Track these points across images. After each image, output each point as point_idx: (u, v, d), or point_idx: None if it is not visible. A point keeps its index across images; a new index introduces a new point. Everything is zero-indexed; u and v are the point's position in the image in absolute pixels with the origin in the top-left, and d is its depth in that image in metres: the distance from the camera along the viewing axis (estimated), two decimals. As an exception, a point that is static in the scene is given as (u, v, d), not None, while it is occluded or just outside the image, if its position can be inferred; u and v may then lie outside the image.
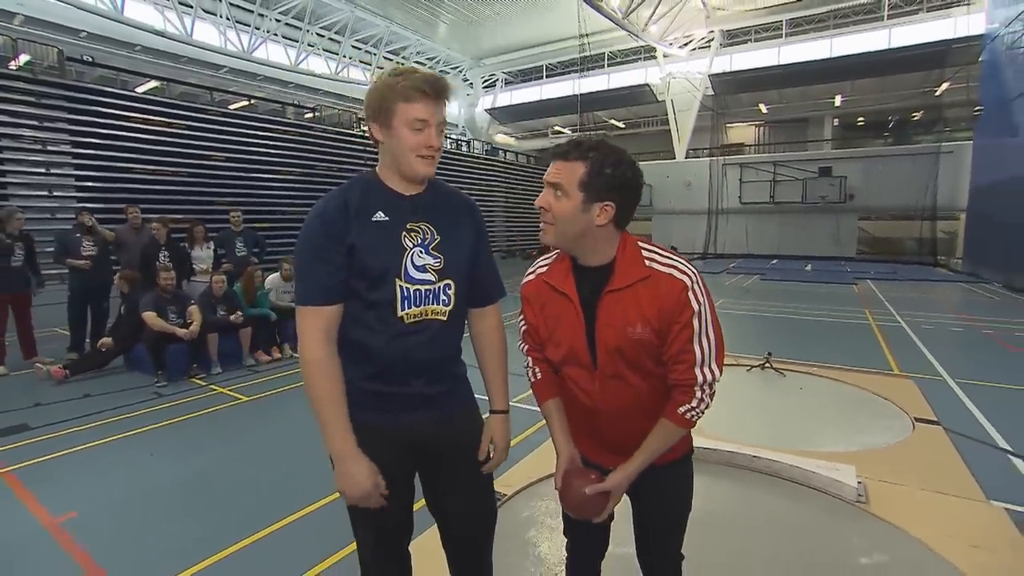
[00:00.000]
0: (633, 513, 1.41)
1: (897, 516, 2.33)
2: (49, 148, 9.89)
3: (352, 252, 1.21)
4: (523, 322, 1.37)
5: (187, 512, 2.66)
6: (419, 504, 1.43)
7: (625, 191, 1.16)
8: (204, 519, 2.58)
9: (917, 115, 23.61)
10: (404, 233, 1.26)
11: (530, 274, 1.35)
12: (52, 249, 5.42)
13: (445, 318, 1.30)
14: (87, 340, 5.55)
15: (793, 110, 24.61)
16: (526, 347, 1.38)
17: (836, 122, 25.31)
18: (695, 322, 1.13)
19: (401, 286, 1.24)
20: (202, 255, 6.11)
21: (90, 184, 10.23)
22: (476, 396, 1.44)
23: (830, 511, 2.45)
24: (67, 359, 5.13)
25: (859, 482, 2.53)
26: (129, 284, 5.36)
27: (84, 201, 10.04)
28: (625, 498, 1.39)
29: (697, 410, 1.18)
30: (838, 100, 22.86)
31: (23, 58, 10.25)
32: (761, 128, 27.49)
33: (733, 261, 20.44)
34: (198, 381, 4.89)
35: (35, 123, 9.72)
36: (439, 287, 1.29)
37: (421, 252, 1.27)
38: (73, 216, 5.72)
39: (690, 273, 1.15)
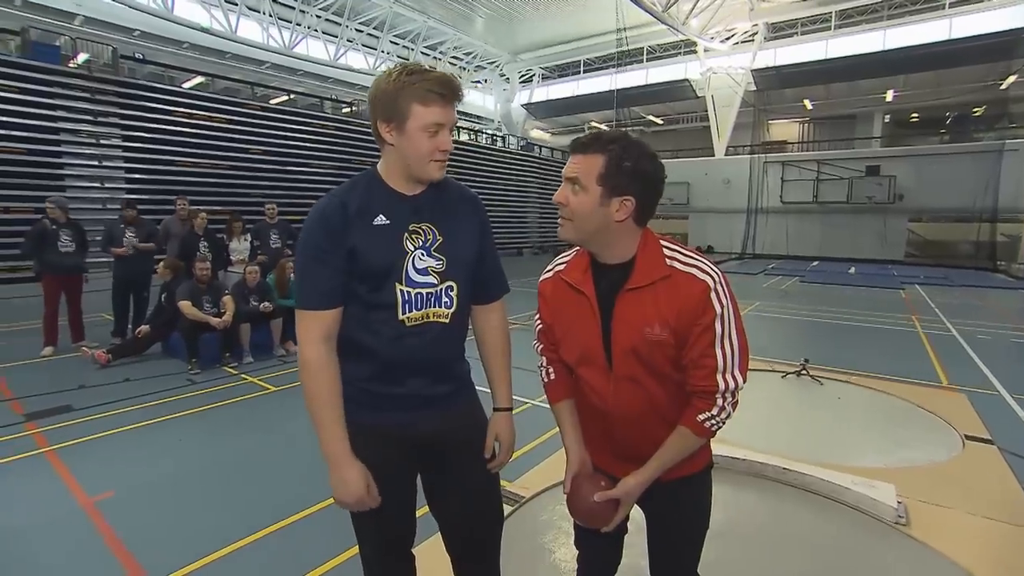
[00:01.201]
0: (647, 528, 1.34)
1: (940, 541, 2.18)
2: (102, 142, 10.38)
3: (352, 255, 1.18)
4: (539, 320, 1.33)
5: (214, 498, 2.73)
6: (424, 510, 1.40)
7: (646, 185, 1.11)
8: (230, 505, 2.65)
9: (979, 110, 22.20)
10: (406, 236, 1.23)
11: (548, 271, 1.31)
12: (100, 238, 5.67)
13: (447, 320, 1.27)
14: (129, 327, 5.80)
15: (840, 106, 23.53)
16: (541, 346, 1.34)
17: (887, 118, 24.06)
18: (717, 325, 1.08)
19: (402, 290, 1.21)
20: (239, 247, 6.30)
21: (137, 176, 10.71)
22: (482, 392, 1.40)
23: (865, 530, 2.30)
24: (111, 344, 5.37)
25: (899, 501, 2.37)
26: (172, 273, 5.57)
27: (132, 192, 10.54)
28: (640, 511, 1.33)
29: (718, 419, 1.12)
30: (890, 95, 21.69)
31: (81, 57, 10.79)
32: (805, 125, 26.43)
33: (772, 262, 19.77)
34: (230, 369, 5.03)
35: (90, 118, 10.22)
36: (441, 289, 1.26)
37: (423, 255, 1.24)
38: (120, 207, 5.96)
39: (713, 274, 1.10)
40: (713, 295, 1.08)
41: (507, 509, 2.46)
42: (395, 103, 1.15)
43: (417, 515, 1.41)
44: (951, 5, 18.39)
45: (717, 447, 2.86)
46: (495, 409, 1.40)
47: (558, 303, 1.26)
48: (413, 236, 1.23)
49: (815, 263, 19.69)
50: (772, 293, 11.45)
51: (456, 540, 1.44)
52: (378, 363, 1.24)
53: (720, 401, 1.10)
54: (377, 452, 1.24)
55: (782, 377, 4.57)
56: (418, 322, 1.23)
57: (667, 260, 1.12)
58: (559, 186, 1.17)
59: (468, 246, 1.31)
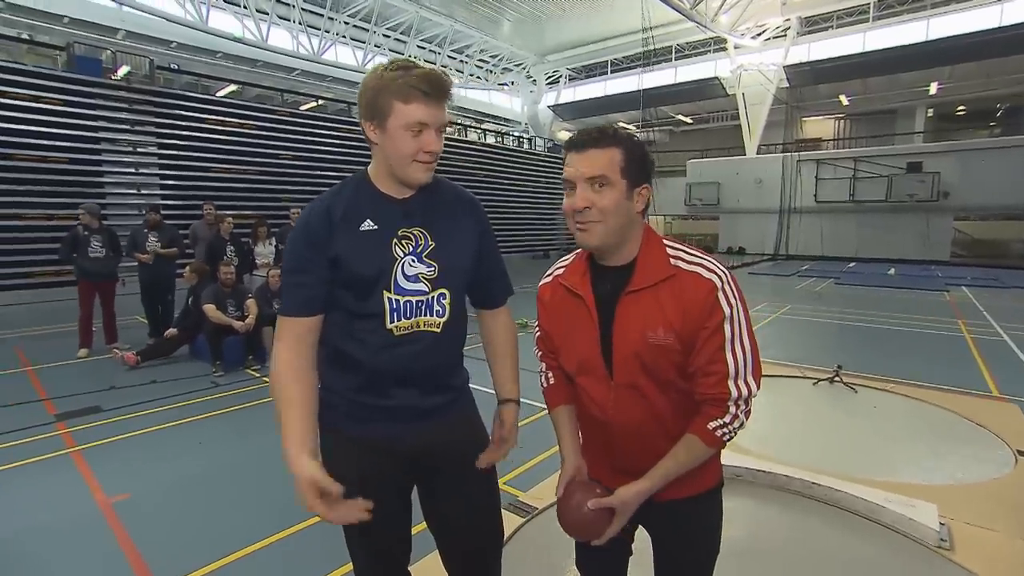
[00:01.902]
0: (653, 551, 1.25)
1: (987, 568, 1.99)
2: (139, 150, 10.79)
3: (336, 263, 1.13)
4: (538, 327, 1.26)
5: (229, 501, 2.74)
6: (421, 526, 1.34)
7: (652, 172, 1.09)
8: (244, 509, 2.65)
9: (1032, 102, 20.98)
10: (395, 241, 1.16)
11: (547, 276, 1.24)
12: (125, 243, 5.83)
13: (439, 330, 1.20)
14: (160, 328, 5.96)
15: (879, 101, 22.59)
16: (540, 353, 1.28)
17: (930, 112, 22.97)
18: (726, 327, 1.01)
19: (390, 298, 1.15)
20: (264, 251, 6.42)
21: (171, 182, 11.08)
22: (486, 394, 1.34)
23: (903, 554, 2.13)
24: (147, 344, 5.52)
25: (941, 523, 2.19)
26: (198, 276, 5.69)
27: (166, 198, 10.92)
28: (645, 532, 1.24)
29: (730, 427, 1.04)
30: (934, 88, 20.66)
31: (123, 70, 11.25)
32: (841, 121, 25.51)
33: (806, 263, 19.10)
34: (253, 372, 5.10)
35: (127, 127, 10.63)
36: (432, 297, 1.19)
37: (413, 261, 1.17)
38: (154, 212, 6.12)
39: (720, 273, 1.03)
40: (721, 295, 1.01)
41: (519, 520, 2.38)
42: (376, 100, 1.09)
43: (414, 532, 1.35)
44: (1001, -9, 17.40)
45: (740, 459, 2.73)
46: (500, 401, 1.33)
47: (556, 308, 1.19)
48: (403, 241, 1.17)
49: (851, 264, 18.93)
50: (805, 295, 11.03)
51: (455, 558, 1.37)
52: (365, 374, 1.18)
53: (733, 408, 1.03)
54: (366, 464, 1.19)
55: (813, 384, 4.35)
56: (407, 331, 1.17)
57: (671, 260, 1.06)
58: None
59: (463, 252, 1.25)
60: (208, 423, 3.83)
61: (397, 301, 1.16)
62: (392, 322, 1.16)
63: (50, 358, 5.41)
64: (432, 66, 1.11)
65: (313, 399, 1.14)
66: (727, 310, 1.01)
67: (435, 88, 1.09)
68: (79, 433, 3.57)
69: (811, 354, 5.64)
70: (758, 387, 1.04)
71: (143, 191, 10.75)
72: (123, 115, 10.62)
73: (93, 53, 11.21)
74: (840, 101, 22.80)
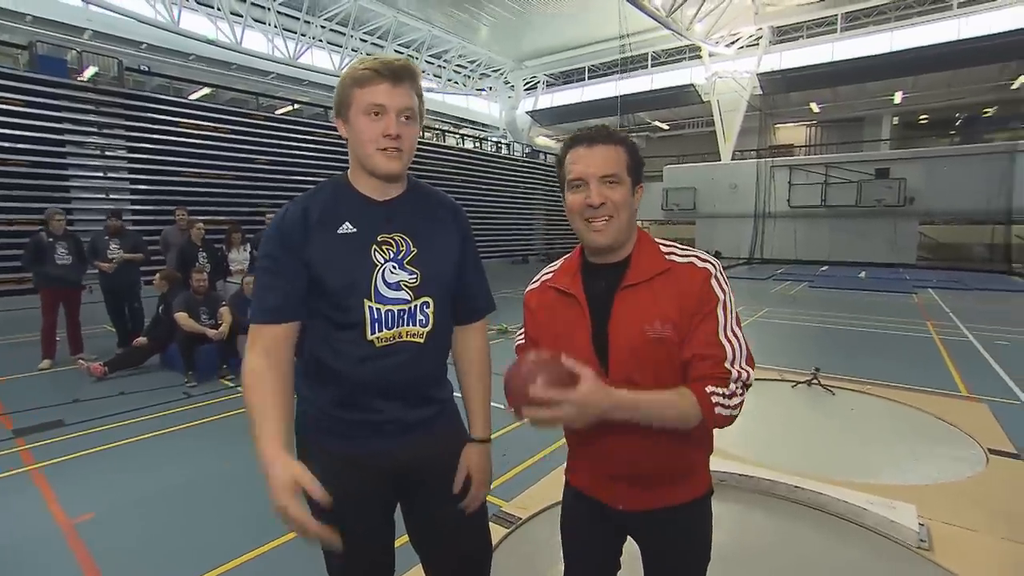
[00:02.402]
0: (643, 561, 1.22)
1: (967, 567, 2.02)
2: (107, 154, 10.44)
3: (312, 268, 1.07)
4: (522, 334, 1.22)
5: (199, 519, 2.62)
6: (403, 539, 1.29)
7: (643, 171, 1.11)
8: (216, 527, 2.54)
9: (989, 111, 21.88)
10: (375, 246, 1.11)
11: (534, 282, 1.21)
12: (87, 251, 5.61)
13: (422, 340, 1.15)
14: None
15: (848, 109, 23.29)
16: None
17: (896, 120, 23.77)
18: (720, 312, 1.02)
19: (370, 307, 1.10)
20: (238, 257, 6.25)
21: (142, 187, 10.75)
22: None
23: (884, 555, 2.15)
24: (115, 354, 5.31)
25: (921, 524, 2.22)
26: (169, 284, 5.51)
27: (137, 203, 10.58)
28: (634, 543, 1.21)
29: (729, 403, 0.98)
30: (898, 97, 21.43)
31: (90, 70, 10.89)
32: (812, 128, 26.19)
33: (780, 267, 19.50)
34: (227, 382, 4.94)
35: (95, 130, 10.29)
36: (415, 306, 1.14)
37: (394, 267, 1.12)
38: (130, 218, 5.91)
39: (712, 263, 1.07)
40: (714, 281, 1.03)
41: (502, 531, 2.33)
42: (341, 93, 1.09)
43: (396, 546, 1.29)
44: (960, 5, 18.15)
45: (724, 463, 2.73)
46: (469, 440, 1.27)
47: (544, 312, 1.16)
48: (383, 247, 1.12)
49: (824, 267, 19.40)
50: (781, 299, 11.24)
51: (443, 574, 1.32)
52: (345, 387, 1.13)
53: (732, 386, 0.99)
54: (348, 481, 1.13)
55: (792, 387, 4.40)
56: (389, 342, 1.12)
57: (665, 255, 1.08)
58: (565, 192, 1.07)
59: (446, 259, 1.20)
60: (180, 436, 3.68)
61: (378, 310, 1.10)
62: (373, 333, 1.11)
63: (9, 370, 5.16)
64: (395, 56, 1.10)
65: (288, 405, 1.08)
66: (721, 296, 1.02)
67: (390, 69, 1.06)
68: (39, 449, 3.39)
69: (789, 357, 5.73)
70: (752, 374, 1.02)
71: (112, 196, 10.39)
72: (90, 117, 10.26)
73: (57, 53, 10.83)
74: (811, 108, 23.43)
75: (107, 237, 5.61)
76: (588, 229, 1.06)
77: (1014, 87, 18.55)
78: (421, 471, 1.21)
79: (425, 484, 1.23)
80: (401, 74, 1.07)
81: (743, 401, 1.02)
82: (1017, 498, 2.58)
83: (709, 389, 0.98)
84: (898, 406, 4.00)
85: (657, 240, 1.12)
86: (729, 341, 1.00)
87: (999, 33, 17.00)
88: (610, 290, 1.07)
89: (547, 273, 1.20)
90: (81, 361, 5.20)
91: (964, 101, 20.99)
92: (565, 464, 1.27)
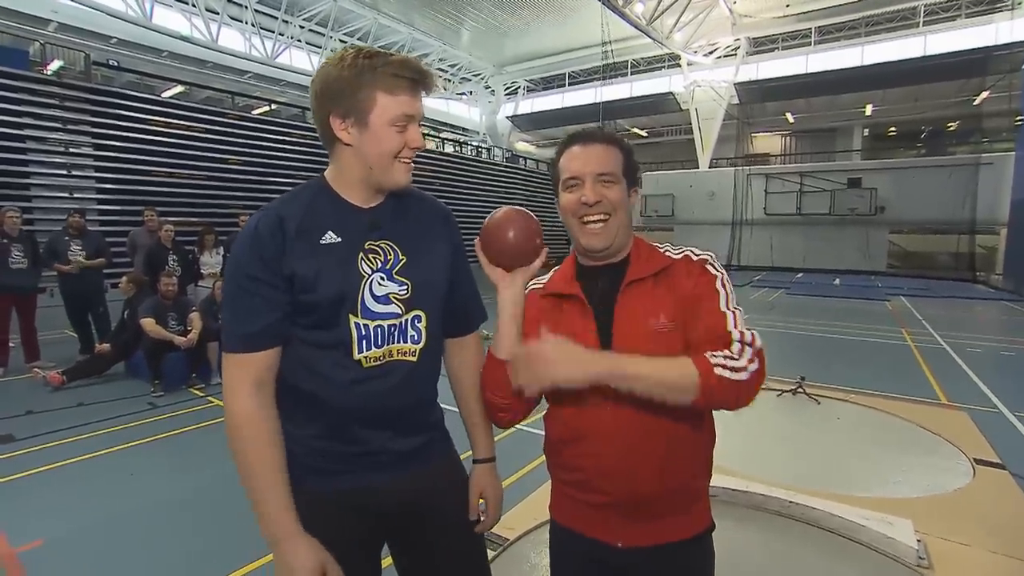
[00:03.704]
0: None
1: (966, 586, 1.98)
2: (72, 151, 10.00)
3: (293, 284, 0.94)
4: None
5: (164, 540, 2.43)
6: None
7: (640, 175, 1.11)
8: (184, 548, 2.36)
9: (953, 125, 22.73)
10: (361, 256, 0.99)
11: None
12: (44, 251, 5.30)
13: (415, 358, 1.03)
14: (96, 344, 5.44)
15: (821, 120, 23.95)
16: None
17: (866, 132, 24.54)
18: (720, 287, 1.00)
19: (357, 323, 0.98)
20: (211, 260, 6.01)
21: (109, 186, 10.33)
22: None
23: (884, 574, 2.10)
24: (76, 361, 5.02)
25: (918, 540, 2.17)
26: (136, 288, 5.24)
27: (104, 203, 10.16)
28: None
29: (732, 364, 0.88)
30: (869, 109, 22.15)
31: (55, 64, 10.45)
32: (788, 138, 26.83)
33: (757, 274, 19.84)
34: (196, 391, 4.71)
35: (59, 125, 9.85)
36: (406, 321, 1.02)
37: (382, 279, 1.00)
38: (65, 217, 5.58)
39: (708, 254, 1.07)
40: (710, 266, 1.04)
41: (489, 554, 2.21)
42: (355, 93, 0.93)
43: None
44: (925, 23, 18.85)
45: (716, 478, 2.66)
46: (476, 461, 1.18)
47: (537, 319, 1.08)
48: (370, 256, 1.00)
49: (799, 275, 19.80)
50: (759, 306, 11.38)
51: None
52: (329, 416, 1.00)
53: (736, 346, 0.91)
54: (329, 527, 0.99)
55: (777, 396, 4.38)
56: (378, 362, 1.00)
57: (664, 253, 1.07)
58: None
59: (438, 268, 1.09)
60: (143, 450, 3.46)
61: (366, 327, 0.98)
62: (360, 352, 0.98)
63: (-43, 380, 4.84)
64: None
65: (285, 459, 0.96)
66: (717, 274, 1.02)
67: (421, 75, 0.95)
68: (-14, 467, 3.14)
69: (772, 365, 5.66)
70: (758, 338, 0.95)
71: (76, 195, 9.95)
72: (53, 112, 9.82)
73: (19, 44, 10.37)
74: (787, 119, 24.02)
75: (67, 238, 5.30)
76: (583, 231, 1.03)
77: (976, 103, 19.29)
78: (418, 505, 1.09)
79: (422, 526, 1.11)
80: (429, 81, 0.97)
81: (759, 371, 0.91)
82: (1006, 510, 2.56)
83: (709, 353, 0.90)
84: (882, 415, 4.00)
85: (651, 242, 1.11)
86: (732, 311, 0.98)
87: (961, 51, 17.75)
88: (611, 288, 1.04)
89: (536, 284, 1.14)
90: (36, 370, 4.89)
91: (929, 115, 21.78)
92: (551, 495, 1.17)
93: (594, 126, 1.07)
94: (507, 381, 0.96)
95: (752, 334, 0.95)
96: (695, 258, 1.05)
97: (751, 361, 0.91)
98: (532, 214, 1.08)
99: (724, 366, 0.88)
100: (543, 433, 1.13)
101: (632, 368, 0.88)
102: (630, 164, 1.05)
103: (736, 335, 0.94)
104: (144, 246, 5.75)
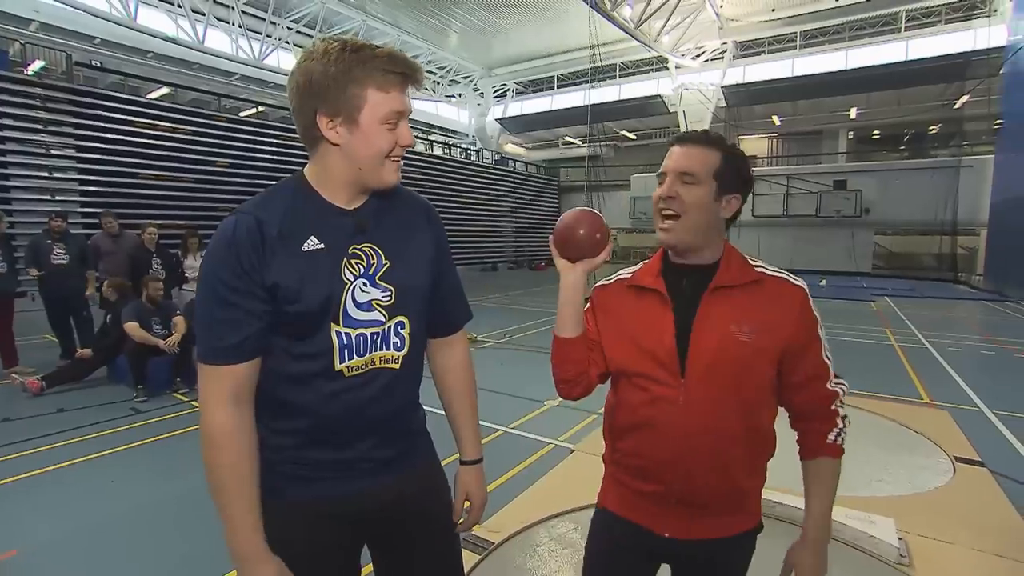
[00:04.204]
0: None
1: (946, 582, 2.00)
2: (53, 152, 9.83)
3: (274, 293, 0.90)
4: None
5: (146, 547, 2.39)
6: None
7: (747, 187, 1.09)
8: (167, 555, 2.32)
9: (934, 128, 23.13)
10: (345, 262, 0.96)
11: (607, 279, 1.16)
12: (23, 255, 5.20)
13: (398, 365, 1.02)
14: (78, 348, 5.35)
15: (807, 123, 24.23)
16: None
17: (851, 135, 24.88)
18: (821, 332, 1.06)
19: (339, 331, 0.95)
20: (195, 264, 5.93)
21: (93, 189, 10.17)
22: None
23: (864, 571, 2.12)
24: (56, 367, 4.92)
25: (900, 538, 2.20)
26: (118, 292, 5.16)
27: (87, 206, 10.00)
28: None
29: (844, 432, 1.07)
30: (853, 113, 22.46)
31: (36, 64, 10.26)
32: (774, 140, 27.11)
33: (745, 275, 19.99)
34: (180, 396, 4.65)
35: (39, 127, 9.68)
36: (389, 328, 1.00)
37: (365, 285, 0.97)
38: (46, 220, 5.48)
39: (803, 284, 1.07)
40: (811, 302, 1.05)
41: (475, 558, 2.20)
42: (344, 91, 0.89)
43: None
44: (906, 28, 19.19)
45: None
46: (463, 462, 1.17)
47: (613, 309, 1.13)
48: (353, 262, 0.97)
49: (787, 276, 19.98)
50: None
51: None
52: (310, 425, 0.97)
53: (841, 410, 1.06)
54: (306, 534, 0.98)
55: (764, 396, 4.42)
56: (361, 370, 0.97)
57: (755, 267, 1.08)
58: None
59: (422, 271, 1.06)
60: (125, 457, 3.41)
61: (348, 335, 0.96)
62: (342, 361, 0.96)
63: (-67, 387, 4.73)
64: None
65: (257, 474, 0.94)
66: (818, 317, 1.05)
67: (413, 70, 0.93)
68: (-39, 476, 3.07)
69: (758, 365, 5.78)
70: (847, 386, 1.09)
71: (58, 197, 9.78)
72: (34, 113, 9.65)
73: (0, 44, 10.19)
74: (773, 121, 24.26)
75: (49, 241, 5.21)
76: (657, 222, 1.07)
77: (956, 107, 19.66)
78: (400, 510, 1.08)
79: (403, 523, 1.10)
80: (420, 79, 0.95)
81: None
82: (986, 508, 2.60)
83: (831, 439, 1.05)
84: (865, 414, 4.04)
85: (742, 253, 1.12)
86: (828, 360, 1.05)
87: (942, 56, 18.09)
88: (696, 290, 1.06)
89: (624, 274, 1.17)
90: (15, 375, 4.79)
91: (912, 118, 22.12)
92: (602, 484, 1.20)
93: (705, 130, 1.10)
94: (572, 357, 1.10)
95: (844, 386, 1.08)
96: (794, 283, 1.05)
97: (845, 418, 1.08)
98: (599, 214, 1.11)
99: (842, 437, 1.07)
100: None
101: (829, 515, 1.09)
102: (730, 169, 1.04)
103: (839, 391, 1.06)
104: (107, 251, 5.59)
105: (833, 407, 1.05)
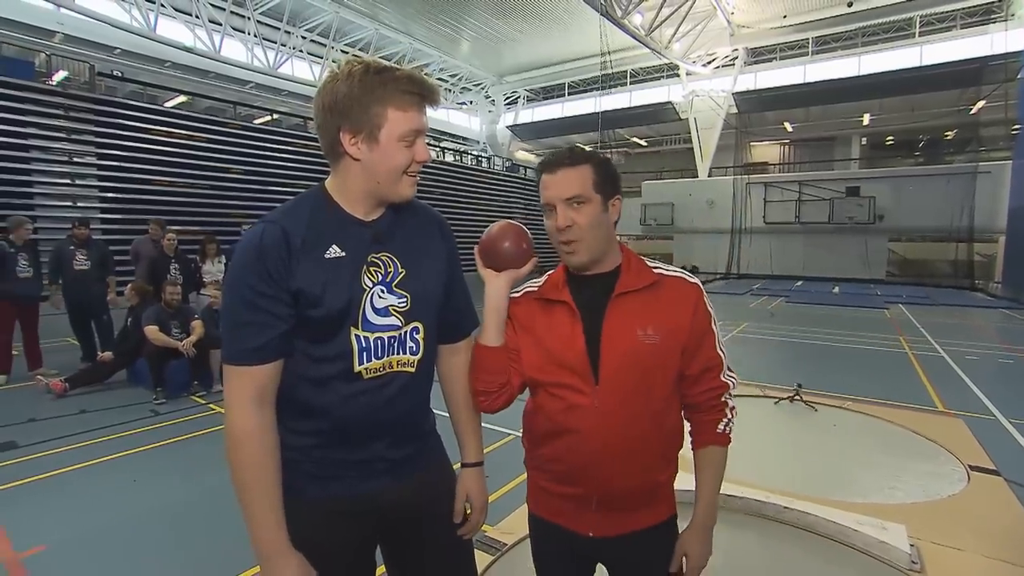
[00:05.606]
0: None
1: (958, 590, 2.00)
2: (75, 160, 10.09)
3: (298, 299, 0.96)
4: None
5: (167, 546, 2.46)
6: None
7: (619, 184, 1.14)
8: (187, 554, 2.39)
9: (950, 134, 22.87)
10: (364, 269, 1.02)
11: (516, 292, 1.18)
12: (48, 260, 5.34)
13: (413, 369, 1.07)
14: (99, 352, 5.48)
15: (819, 129, 24.07)
16: None
17: (864, 141, 24.66)
18: (714, 326, 1.13)
19: (358, 335, 1.00)
20: (213, 269, 6.07)
21: (112, 195, 10.41)
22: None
23: (876, 577, 2.12)
24: (78, 369, 5.05)
25: (911, 544, 2.20)
26: (139, 297, 5.28)
27: (107, 212, 10.23)
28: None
29: (732, 422, 1.15)
30: (866, 119, 22.26)
31: (60, 74, 10.56)
32: (786, 147, 26.96)
33: (757, 282, 19.87)
34: (198, 399, 4.74)
35: (63, 135, 9.94)
36: (405, 332, 1.06)
37: (383, 291, 1.03)
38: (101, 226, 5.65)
39: (698, 281, 1.15)
40: (706, 298, 1.13)
41: (488, 559, 2.23)
42: (367, 109, 0.95)
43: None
44: (921, 33, 19.03)
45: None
46: (464, 465, 1.21)
47: (525, 321, 1.15)
48: (371, 269, 1.03)
49: (799, 283, 19.83)
50: (759, 313, 11.41)
51: None
52: (329, 426, 1.02)
53: (729, 402, 1.14)
54: (325, 531, 1.03)
55: (775, 403, 4.41)
56: (378, 373, 1.03)
57: (653, 269, 1.13)
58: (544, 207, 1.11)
59: (435, 279, 1.13)
60: (146, 457, 3.49)
61: (367, 339, 1.01)
62: (361, 364, 1.01)
63: (-40, 387, 4.87)
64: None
65: (280, 474, 0.98)
66: (712, 311, 1.12)
67: (430, 91, 0.99)
68: (-11, 474, 3.17)
69: (770, 372, 5.78)
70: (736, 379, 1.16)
71: (79, 204, 10.02)
72: (58, 122, 9.92)
73: (25, 55, 10.49)
74: (785, 127, 24.15)
75: (72, 247, 5.35)
76: (562, 251, 1.11)
77: (972, 112, 19.43)
78: (415, 509, 1.13)
79: (418, 523, 1.15)
80: (437, 99, 1.01)
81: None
82: (1000, 516, 2.59)
83: (720, 428, 1.13)
84: (878, 421, 4.02)
85: (639, 255, 1.17)
86: (722, 352, 1.13)
87: (957, 61, 17.89)
88: (601, 298, 1.09)
89: (530, 286, 1.19)
90: (39, 377, 4.93)
91: (927, 124, 21.90)
92: (527, 489, 1.24)
93: (568, 144, 1.14)
94: (492, 367, 1.11)
95: (735, 379, 1.15)
96: (690, 281, 1.12)
97: (732, 408, 1.15)
98: (524, 229, 1.15)
99: (731, 427, 1.14)
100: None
101: (716, 500, 1.14)
102: (605, 177, 1.08)
103: (729, 383, 1.13)
104: (147, 256, 5.80)
105: (723, 399, 1.12)
